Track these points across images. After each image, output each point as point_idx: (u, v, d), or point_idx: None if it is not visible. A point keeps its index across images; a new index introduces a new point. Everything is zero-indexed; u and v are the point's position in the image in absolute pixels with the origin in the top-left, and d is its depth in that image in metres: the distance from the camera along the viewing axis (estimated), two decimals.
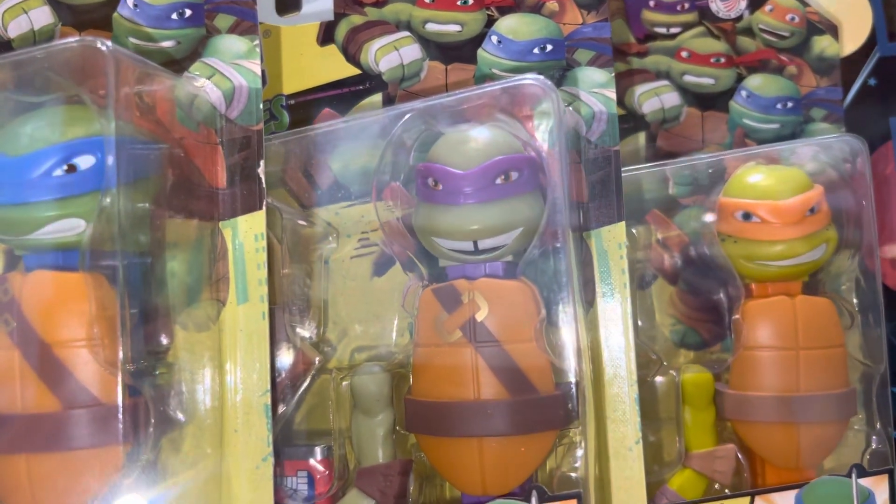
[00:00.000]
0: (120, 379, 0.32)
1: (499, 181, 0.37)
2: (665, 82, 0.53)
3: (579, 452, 0.38)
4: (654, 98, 0.53)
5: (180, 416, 0.36)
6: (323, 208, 0.45)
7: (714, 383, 0.46)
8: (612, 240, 0.43)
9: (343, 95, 0.47)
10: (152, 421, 0.34)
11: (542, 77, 0.38)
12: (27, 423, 0.31)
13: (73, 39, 0.34)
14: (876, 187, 0.55)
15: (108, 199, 0.33)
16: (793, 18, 0.54)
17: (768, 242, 0.45)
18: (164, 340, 0.37)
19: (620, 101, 0.53)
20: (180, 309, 0.38)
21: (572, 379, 0.37)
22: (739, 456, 0.46)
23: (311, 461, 0.40)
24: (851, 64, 0.56)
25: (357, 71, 0.46)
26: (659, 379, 0.48)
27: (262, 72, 0.47)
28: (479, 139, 0.38)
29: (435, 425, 0.37)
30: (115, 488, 0.32)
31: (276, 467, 0.38)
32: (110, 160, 0.32)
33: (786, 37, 0.54)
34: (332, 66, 0.47)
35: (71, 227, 0.32)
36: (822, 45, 0.54)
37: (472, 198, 0.37)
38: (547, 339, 0.38)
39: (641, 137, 0.54)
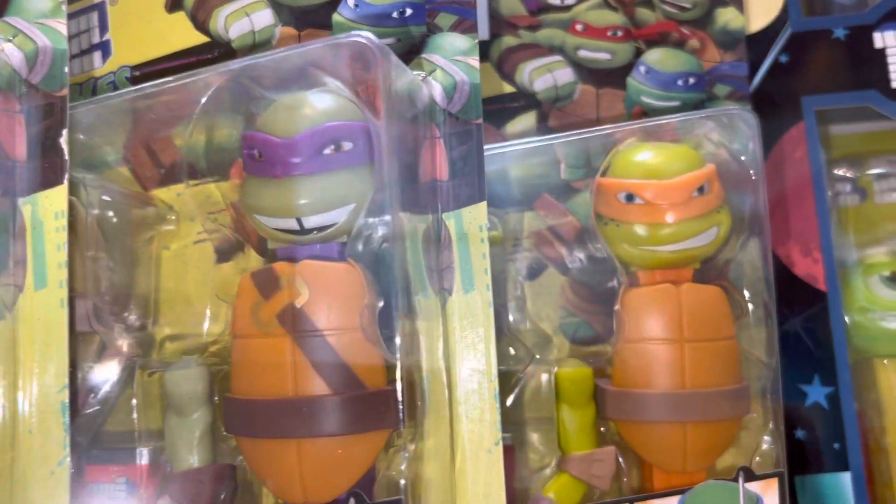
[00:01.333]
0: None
1: (327, 151, 0.33)
2: (558, 58, 0.50)
3: (406, 455, 0.34)
4: (547, 75, 0.50)
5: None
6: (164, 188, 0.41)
7: (593, 379, 0.42)
8: (472, 222, 0.39)
9: (191, 65, 0.43)
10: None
11: (372, 36, 0.34)
12: None
13: None
14: (786, 172, 0.52)
15: None
16: None
17: (652, 226, 0.42)
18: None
19: (510, 78, 0.50)
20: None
21: (399, 374, 0.33)
22: (620, 459, 0.42)
23: (134, 465, 0.36)
24: (762, 39, 0.52)
25: (205, 38, 0.43)
26: (545, 377, 0.44)
27: (107, 41, 0.43)
28: (306, 105, 0.34)
29: (251, 426, 0.33)
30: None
31: (85, 471, 0.35)
32: None
33: (687, 8, 0.50)
34: (180, 34, 0.43)
35: None
36: (727, 17, 0.50)
37: (295, 169, 0.33)
38: (383, 330, 0.34)
39: (532, 117, 0.50)
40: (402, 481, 0.33)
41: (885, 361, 0.50)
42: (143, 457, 0.36)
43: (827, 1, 0.55)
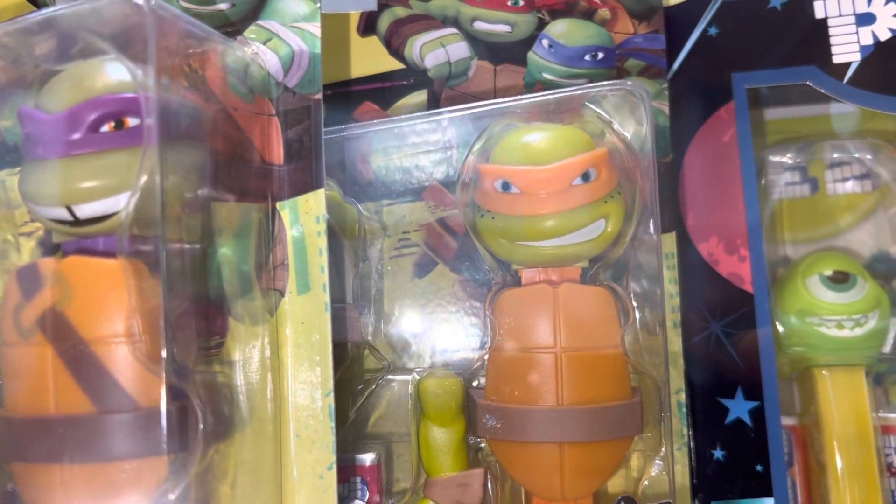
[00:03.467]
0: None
1: (106, 128, 0.28)
2: (452, 30, 0.45)
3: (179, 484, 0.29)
4: (440, 49, 0.44)
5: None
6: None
7: (462, 390, 0.37)
8: (308, 212, 0.34)
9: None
10: (201, 427, 0.27)
11: None
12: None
13: None
14: (713, 155, 0.46)
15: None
16: None
17: (529, 218, 0.36)
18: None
19: (398, 53, 0.45)
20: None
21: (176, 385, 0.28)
22: (489, 484, 0.37)
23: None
24: (688, 10, 0.47)
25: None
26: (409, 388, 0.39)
27: None
28: (83, 75, 0.29)
29: (17, 450, 0.28)
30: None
31: None
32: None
33: None
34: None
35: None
36: None
37: (64, 149, 0.28)
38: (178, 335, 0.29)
39: (423, 95, 0.45)
40: None
41: (825, 371, 0.45)
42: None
43: None
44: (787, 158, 0.48)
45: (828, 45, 0.46)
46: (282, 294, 0.34)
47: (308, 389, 0.33)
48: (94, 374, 0.27)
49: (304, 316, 0.33)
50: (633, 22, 0.45)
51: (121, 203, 0.29)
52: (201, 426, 0.27)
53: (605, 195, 0.37)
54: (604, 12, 0.45)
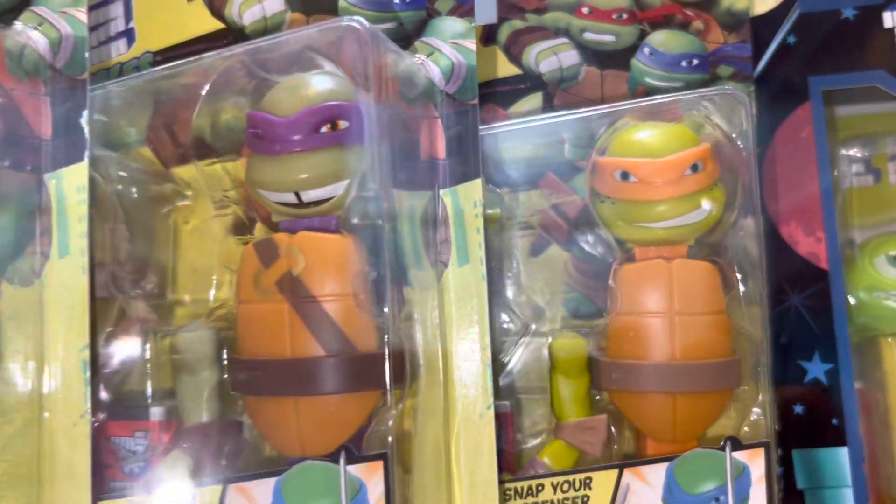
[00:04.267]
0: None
1: (324, 129, 0.35)
2: (564, 40, 0.51)
3: (394, 413, 0.36)
4: (553, 57, 0.51)
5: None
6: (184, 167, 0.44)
7: (587, 350, 0.44)
8: (467, 198, 0.41)
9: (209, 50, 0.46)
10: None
11: (363, 19, 0.36)
12: None
13: None
14: (793, 150, 0.52)
15: None
16: None
17: (646, 203, 0.43)
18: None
19: (517, 60, 0.51)
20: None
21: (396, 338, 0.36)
22: (612, 427, 0.44)
23: (150, 420, 0.39)
24: (770, 21, 0.53)
25: (222, 25, 0.45)
26: (541, 348, 0.46)
27: (131, 29, 0.46)
28: (304, 85, 0.36)
29: (254, 385, 0.35)
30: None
31: (108, 427, 0.38)
32: None
33: None
34: (199, 21, 0.46)
35: None
36: (732, 0, 0.51)
37: (293, 146, 0.35)
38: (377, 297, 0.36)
39: (538, 98, 0.51)
40: (390, 438, 0.35)
41: (890, 339, 0.51)
42: (157, 414, 0.39)
43: None
44: (854, 152, 0.54)
45: (895, 52, 0.52)
46: (445, 265, 0.40)
47: (468, 344, 0.40)
48: (325, 325, 0.34)
49: (464, 284, 0.40)
50: (723, 33, 0.52)
51: (338, 190, 0.36)
52: (407, 366, 0.34)
53: (710, 184, 0.43)
54: (698, 24, 0.52)
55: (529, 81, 0.51)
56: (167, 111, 0.44)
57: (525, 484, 0.42)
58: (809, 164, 0.51)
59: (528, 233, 0.49)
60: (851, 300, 0.50)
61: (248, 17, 0.45)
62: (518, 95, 0.51)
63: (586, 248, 0.49)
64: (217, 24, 0.45)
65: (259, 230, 0.42)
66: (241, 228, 0.43)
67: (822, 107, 0.51)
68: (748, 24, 0.51)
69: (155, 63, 0.46)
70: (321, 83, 0.36)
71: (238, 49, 0.38)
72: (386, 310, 0.35)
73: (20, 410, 0.36)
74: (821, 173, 0.51)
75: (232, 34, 0.45)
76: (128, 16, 0.47)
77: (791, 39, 0.53)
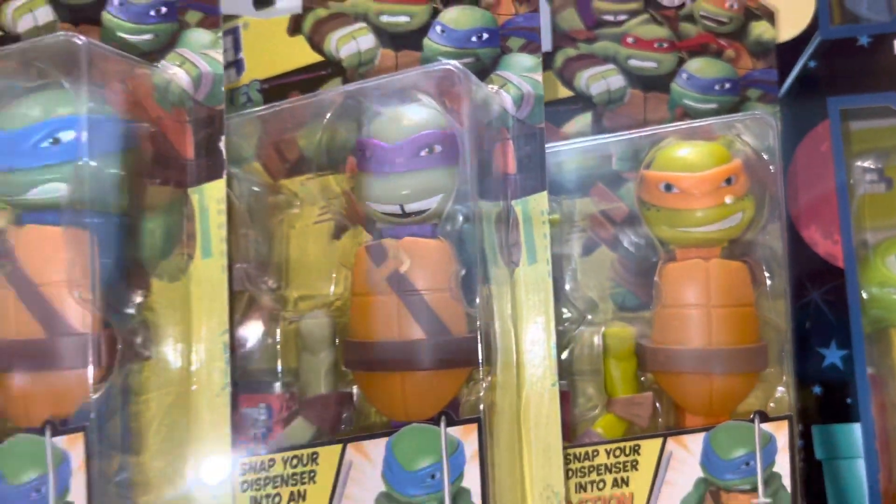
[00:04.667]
0: (92, 313, 0.39)
1: (423, 153, 0.43)
2: (611, 66, 0.58)
3: (485, 386, 0.44)
4: (601, 81, 0.58)
5: (146, 352, 0.44)
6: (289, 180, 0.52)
7: (634, 337, 0.51)
8: (535, 207, 0.48)
9: (308, 80, 0.53)
10: (119, 348, 0.41)
11: (457, 63, 0.44)
12: (17, 347, 0.39)
13: (59, 34, 0.41)
14: (813, 163, 0.59)
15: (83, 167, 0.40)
16: (732, 5, 0.58)
17: (687, 211, 0.50)
18: (143, 288, 0.44)
19: (569, 84, 0.58)
20: (157, 262, 0.45)
21: (482, 324, 0.43)
22: (657, 403, 0.51)
23: (270, 395, 0.47)
24: (793, 47, 0.60)
25: (320, 58, 0.53)
26: (594, 336, 0.53)
27: (240, 60, 0.53)
28: (406, 117, 0.43)
29: (366, 362, 0.43)
30: (85, 406, 0.40)
31: (238, 400, 0.45)
32: (84, 135, 0.39)
33: (725, 22, 0.58)
34: (300, 54, 0.53)
35: (54, 190, 0.40)
36: (760, 30, 0.58)
37: (399, 167, 0.43)
38: (465, 291, 0.44)
39: (588, 117, 0.59)
40: (481, 406, 0.43)
41: None
42: (279, 389, 0.47)
43: (854, 11, 0.62)
44: (868, 163, 0.61)
45: None
46: (516, 265, 0.48)
47: (536, 331, 0.47)
48: (425, 313, 0.42)
49: (533, 280, 0.48)
50: (752, 60, 0.58)
51: (433, 203, 0.43)
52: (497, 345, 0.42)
53: (742, 195, 0.50)
54: (730, 52, 0.58)
55: (581, 103, 0.58)
56: (275, 132, 0.52)
57: (582, 450, 0.50)
58: (828, 174, 0.58)
59: (581, 235, 0.56)
60: (864, 295, 0.56)
61: (345, 52, 0.52)
62: (570, 115, 0.58)
63: (630, 248, 0.56)
64: (317, 57, 0.53)
65: (351, 235, 0.50)
66: (338, 232, 0.51)
67: (840, 123, 0.58)
68: (774, 52, 0.58)
69: (262, 90, 0.53)
70: (420, 114, 0.44)
71: (351, 87, 0.46)
72: (477, 300, 0.43)
73: (174, 385, 0.44)
74: (838, 182, 0.57)
75: (331, 66, 0.52)
76: (236, 48, 0.55)
77: (812, 64, 0.59)
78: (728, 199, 0.49)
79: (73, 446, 0.38)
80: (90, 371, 0.38)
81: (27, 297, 0.38)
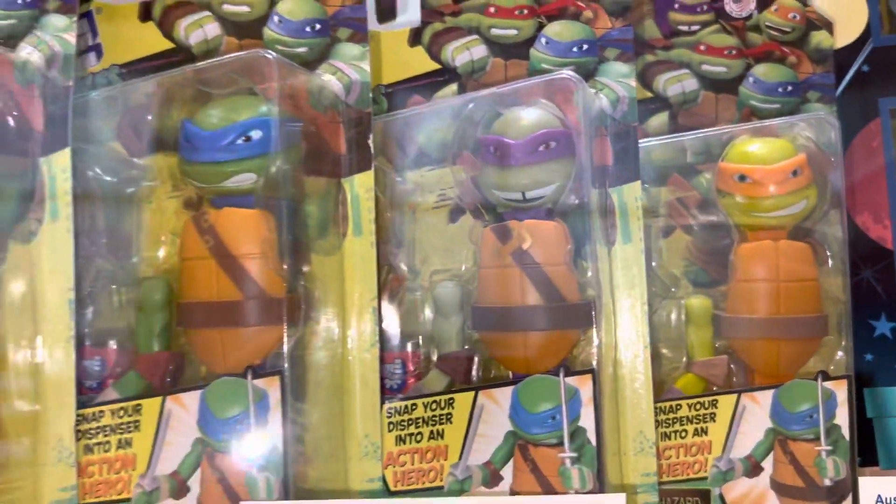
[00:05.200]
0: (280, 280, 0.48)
1: (541, 149, 0.51)
2: (686, 70, 0.65)
3: (595, 344, 0.52)
4: (677, 84, 0.65)
5: (313, 313, 0.52)
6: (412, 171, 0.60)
7: (711, 307, 0.59)
8: (630, 195, 0.56)
9: (428, 85, 0.61)
10: (302, 308, 0.50)
11: (572, 72, 0.52)
12: (219, 307, 0.48)
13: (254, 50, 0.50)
14: (865, 157, 0.66)
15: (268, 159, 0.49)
16: (794, 16, 0.65)
17: (760, 198, 0.58)
18: (306, 262, 0.53)
19: (649, 86, 0.66)
20: (316, 239, 0.53)
21: (591, 292, 0.52)
22: (732, 365, 0.59)
23: (405, 352, 0.55)
24: (848, 53, 0.67)
25: (438, 66, 0.61)
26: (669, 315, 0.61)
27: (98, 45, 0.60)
28: (527, 117, 0.52)
29: (493, 324, 0.52)
30: (275, 355, 0.48)
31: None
32: (270, 133, 0.47)
33: (788, 32, 0.65)
34: (420, 62, 0.61)
35: (247, 179, 0.48)
36: (819, 38, 0.65)
37: (521, 161, 0.51)
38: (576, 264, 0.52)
39: (665, 116, 0.66)
40: (593, 361, 0.51)
41: None
42: (410, 347, 0.55)
43: None
44: None
45: None
46: (613, 244, 0.56)
47: (630, 301, 0.55)
48: (544, 282, 0.50)
49: (627, 257, 0.56)
50: (812, 65, 0.66)
51: (549, 191, 0.52)
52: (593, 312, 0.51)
53: (806, 184, 0.58)
54: (792, 59, 0.66)
55: (659, 103, 0.65)
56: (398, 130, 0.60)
57: (667, 404, 0.57)
58: (879, 167, 0.66)
59: (659, 220, 0.64)
60: None
61: (459, 61, 0.60)
62: (651, 113, 0.65)
63: (701, 232, 0.64)
64: (435, 65, 0.61)
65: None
66: (454, 215, 0.59)
67: (890, 121, 0.65)
68: (832, 58, 0.66)
69: (386, 94, 0.61)
70: (537, 115, 0.52)
71: (482, 93, 0.54)
72: (589, 274, 0.51)
73: (332, 344, 0.52)
74: (888, 174, 0.65)
75: (447, 73, 0.60)
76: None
77: (865, 68, 0.66)
78: (795, 188, 0.57)
79: (271, 387, 0.47)
80: (284, 328, 0.47)
81: (227, 267, 0.47)
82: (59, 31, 0.51)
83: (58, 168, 0.49)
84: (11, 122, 0.49)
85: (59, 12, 0.51)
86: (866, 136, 0.65)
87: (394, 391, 0.54)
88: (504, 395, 0.51)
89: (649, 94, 0.65)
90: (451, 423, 0.51)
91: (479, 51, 0.60)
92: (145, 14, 0.55)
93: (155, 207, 0.53)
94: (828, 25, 0.65)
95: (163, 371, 0.50)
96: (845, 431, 0.56)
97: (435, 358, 0.54)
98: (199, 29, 0.56)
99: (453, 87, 0.60)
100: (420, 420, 0.51)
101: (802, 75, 0.65)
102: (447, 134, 0.58)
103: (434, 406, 0.51)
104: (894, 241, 0.63)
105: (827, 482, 0.56)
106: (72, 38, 0.51)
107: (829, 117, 0.59)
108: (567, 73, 0.52)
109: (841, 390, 0.57)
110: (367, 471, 0.51)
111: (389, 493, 0.52)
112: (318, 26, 0.55)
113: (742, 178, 0.58)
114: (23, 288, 0.48)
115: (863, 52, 0.66)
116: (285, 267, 0.49)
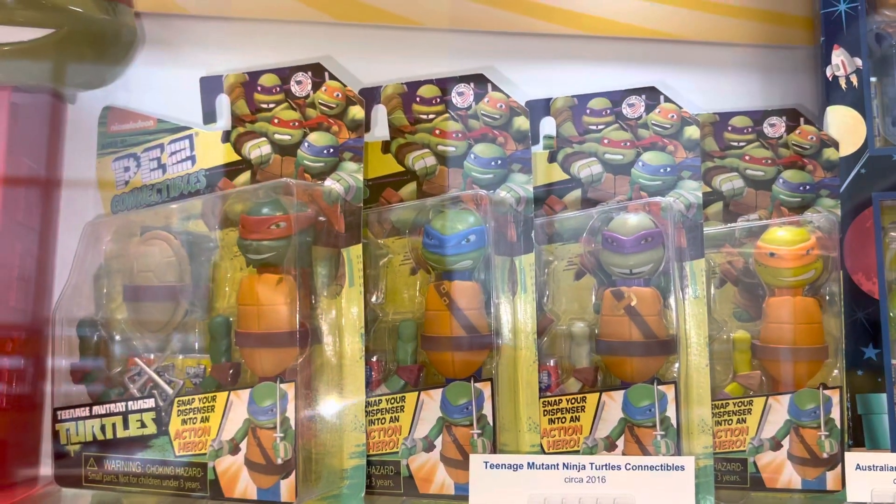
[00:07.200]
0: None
1: (643, 242, 0.82)
2: (735, 173, 0.91)
3: (676, 366, 0.83)
4: (729, 183, 0.90)
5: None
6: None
7: (750, 338, 0.89)
8: (697, 265, 0.86)
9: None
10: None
11: (666, 198, 0.82)
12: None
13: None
14: (861, 233, 0.93)
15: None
16: (812, 138, 0.93)
17: (784, 269, 0.85)
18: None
19: (710, 184, 0.96)
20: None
21: (672, 331, 0.82)
22: (763, 378, 0.89)
23: (549, 365, 0.87)
24: (851, 160, 0.94)
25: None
26: (721, 343, 0.91)
27: None
28: (633, 221, 0.82)
29: (611, 351, 0.83)
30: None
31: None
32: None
33: (807, 148, 0.89)
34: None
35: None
36: (829, 153, 0.88)
37: (629, 250, 0.82)
38: (664, 313, 0.83)
39: (719, 205, 0.95)
40: (675, 375, 0.82)
41: None
42: (552, 363, 0.87)
43: (890, 139, 0.95)
44: (893, 233, 0.89)
45: None
46: (685, 296, 0.86)
47: (697, 337, 0.85)
48: (645, 326, 0.81)
49: (694, 308, 0.85)
50: (823, 172, 0.94)
51: (647, 267, 0.82)
52: (675, 344, 0.81)
53: (815, 259, 0.87)
54: (809, 167, 0.94)
55: (714, 195, 0.95)
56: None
57: (719, 402, 0.86)
58: (870, 241, 0.85)
59: (715, 276, 0.94)
60: (891, 314, 0.82)
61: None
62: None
63: (744, 285, 0.93)
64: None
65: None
66: (578, 275, 0.90)
67: (879, 210, 0.88)
68: (839, 167, 0.92)
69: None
70: (641, 218, 0.82)
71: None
72: (673, 318, 0.82)
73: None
74: (877, 246, 0.82)
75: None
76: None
77: (862, 171, 0.89)
78: (808, 262, 0.87)
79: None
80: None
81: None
82: (352, 172, 0.84)
83: (354, 255, 0.83)
84: (325, 227, 0.83)
85: (352, 161, 0.84)
86: (862, 219, 0.87)
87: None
88: (618, 395, 0.82)
89: (707, 189, 0.95)
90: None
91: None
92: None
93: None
94: (836, 144, 0.92)
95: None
96: (838, 423, 0.82)
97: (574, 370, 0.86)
98: (421, 160, 0.88)
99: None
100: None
101: (817, 178, 0.93)
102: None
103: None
104: (880, 293, 0.87)
105: (825, 455, 0.80)
106: (360, 175, 0.83)
107: (832, 215, 0.88)
108: (661, 199, 0.83)
109: (836, 396, 0.85)
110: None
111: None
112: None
113: (772, 254, 0.87)
114: (328, 328, 0.82)
115: (861, 159, 0.86)
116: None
